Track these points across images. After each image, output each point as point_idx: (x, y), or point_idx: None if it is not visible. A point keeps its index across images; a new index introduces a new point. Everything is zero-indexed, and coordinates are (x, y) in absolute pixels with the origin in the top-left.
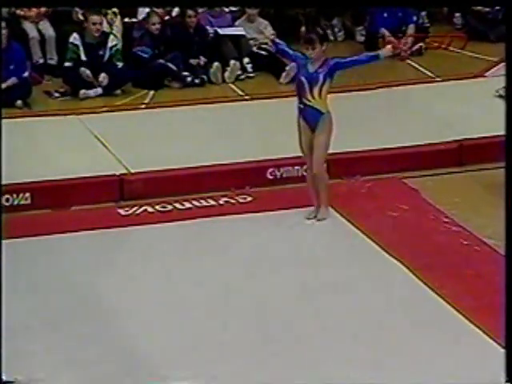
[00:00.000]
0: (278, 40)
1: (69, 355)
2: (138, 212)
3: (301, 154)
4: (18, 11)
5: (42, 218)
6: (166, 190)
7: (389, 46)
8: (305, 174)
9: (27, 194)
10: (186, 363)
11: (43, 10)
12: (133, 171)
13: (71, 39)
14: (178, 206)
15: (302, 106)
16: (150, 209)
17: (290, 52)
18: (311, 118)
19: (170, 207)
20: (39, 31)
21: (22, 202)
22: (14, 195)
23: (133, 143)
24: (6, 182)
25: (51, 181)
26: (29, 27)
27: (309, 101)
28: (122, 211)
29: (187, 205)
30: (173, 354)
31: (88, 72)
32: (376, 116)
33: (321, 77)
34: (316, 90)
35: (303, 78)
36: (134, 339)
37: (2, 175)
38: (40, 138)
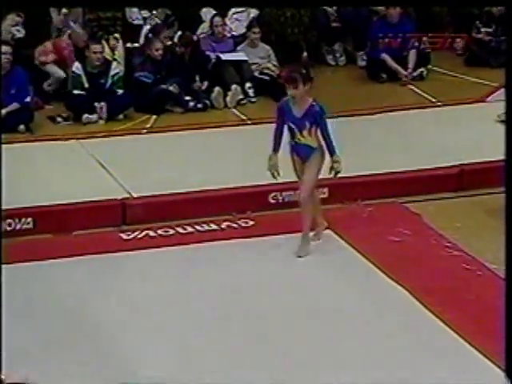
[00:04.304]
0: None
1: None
2: (139, 236)
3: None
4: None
5: (43, 243)
6: (168, 214)
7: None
8: None
9: (29, 219)
10: None
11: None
12: (135, 196)
13: (73, 68)
14: (179, 230)
15: (293, 143)
16: (151, 233)
17: (278, 123)
18: (303, 152)
19: (171, 231)
20: None
21: (25, 227)
22: (17, 220)
23: (135, 168)
24: (9, 206)
25: (53, 205)
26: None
27: (299, 140)
28: (123, 235)
29: (189, 229)
30: (173, 379)
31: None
32: (377, 140)
33: (307, 123)
34: (306, 132)
35: (291, 124)
36: (133, 364)
37: (2, 200)
38: (42, 163)
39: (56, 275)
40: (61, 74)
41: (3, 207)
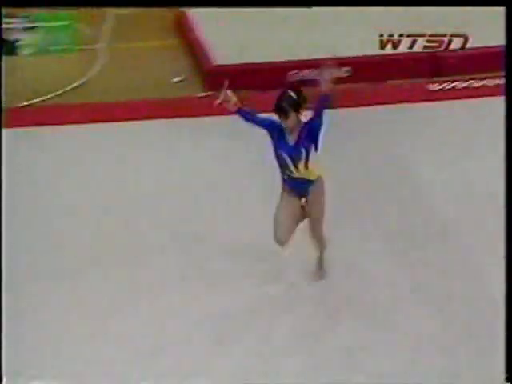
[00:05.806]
0: (244, 108)
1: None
2: (447, 88)
3: None
4: None
5: (360, 91)
6: (478, 67)
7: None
8: None
9: (348, 68)
10: None
11: None
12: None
13: None
14: (486, 83)
15: (285, 178)
16: (459, 85)
17: (260, 120)
18: (299, 187)
19: (476, 85)
20: None
21: (344, 75)
22: (337, 68)
23: None
24: (329, 56)
25: (371, 56)
26: None
27: (292, 173)
28: (430, 87)
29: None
30: None
31: None
32: None
33: (303, 151)
34: (301, 164)
35: (283, 153)
36: None
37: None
38: None
39: (373, 121)
40: None
41: (325, 56)
